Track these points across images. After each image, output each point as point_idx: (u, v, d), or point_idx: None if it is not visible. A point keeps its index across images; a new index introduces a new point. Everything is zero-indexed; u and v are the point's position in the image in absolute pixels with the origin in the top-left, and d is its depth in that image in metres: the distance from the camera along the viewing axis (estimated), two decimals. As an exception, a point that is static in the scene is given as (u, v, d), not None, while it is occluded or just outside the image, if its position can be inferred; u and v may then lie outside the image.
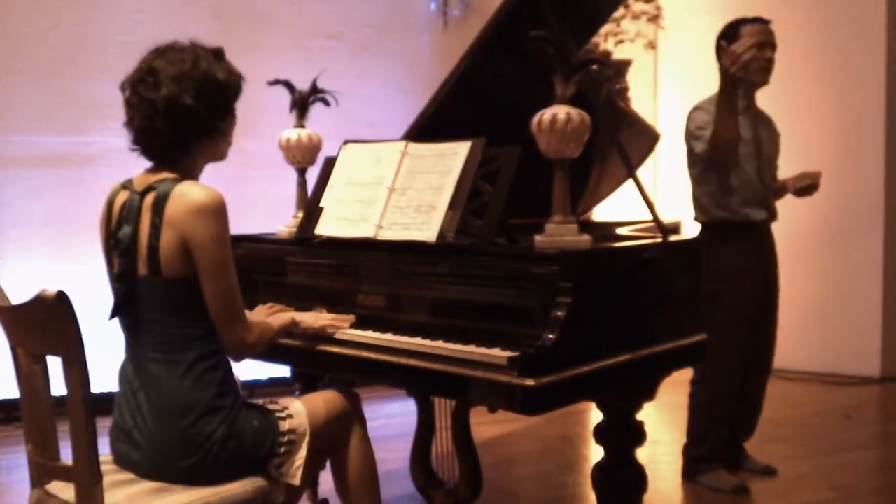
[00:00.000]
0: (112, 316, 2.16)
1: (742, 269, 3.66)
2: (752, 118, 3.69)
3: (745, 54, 3.32)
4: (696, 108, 3.66)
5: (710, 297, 3.56)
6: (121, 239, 2.12)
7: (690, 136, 3.63)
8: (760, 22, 3.68)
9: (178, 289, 2.10)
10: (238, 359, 2.24)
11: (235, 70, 2.26)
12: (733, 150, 3.54)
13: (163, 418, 2.09)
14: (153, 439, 2.10)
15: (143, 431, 2.11)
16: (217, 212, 2.08)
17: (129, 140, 2.18)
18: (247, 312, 2.60)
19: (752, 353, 3.73)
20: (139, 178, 2.19)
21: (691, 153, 3.68)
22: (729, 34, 3.66)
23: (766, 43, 3.64)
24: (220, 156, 2.29)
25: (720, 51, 3.62)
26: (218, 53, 2.23)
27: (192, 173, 2.21)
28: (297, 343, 2.54)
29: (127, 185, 2.20)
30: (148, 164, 2.22)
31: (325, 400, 2.40)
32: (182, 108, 2.11)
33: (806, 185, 3.79)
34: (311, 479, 2.60)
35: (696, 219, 3.75)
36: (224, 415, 2.12)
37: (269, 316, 2.55)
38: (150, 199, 2.11)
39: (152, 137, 2.14)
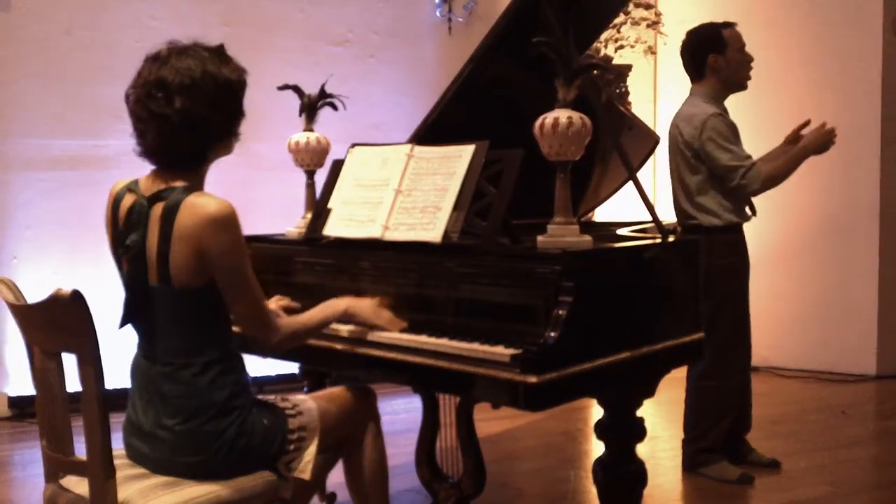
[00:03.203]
0: (122, 324, 2.15)
1: (745, 268, 3.76)
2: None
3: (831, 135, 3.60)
4: (714, 115, 3.59)
5: (724, 297, 3.64)
6: (129, 246, 2.09)
7: (710, 142, 3.57)
8: (734, 26, 3.72)
9: (191, 298, 2.09)
10: (273, 355, 2.26)
11: (239, 65, 2.19)
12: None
13: (176, 417, 2.10)
14: (165, 436, 2.11)
15: (156, 428, 2.12)
16: (231, 223, 2.05)
17: (139, 151, 2.12)
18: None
19: (749, 349, 3.82)
20: (146, 182, 2.14)
21: (698, 158, 3.63)
22: (715, 43, 3.67)
23: (745, 45, 3.69)
24: (228, 152, 2.24)
25: (705, 61, 3.68)
26: (221, 52, 2.16)
27: (202, 177, 2.19)
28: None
29: (133, 187, 2.14)
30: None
31: (337, 397, 2.42)
32: (198, 120, 2.06)
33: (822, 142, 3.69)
34: (322, 476, 2.61)
35: (701, 224, 3.66)
36: (236, 415, 2.13)
37: (278, 308, 2.55)
38: (158, 209, 2.06)
39: (169, 150, 2.09)
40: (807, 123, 3.71)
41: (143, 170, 2.22)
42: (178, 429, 2.10)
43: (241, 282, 2.11)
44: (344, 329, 2.52)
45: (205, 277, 2.08)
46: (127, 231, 2.11)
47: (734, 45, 3.67)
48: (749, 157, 3.58)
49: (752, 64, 3.74)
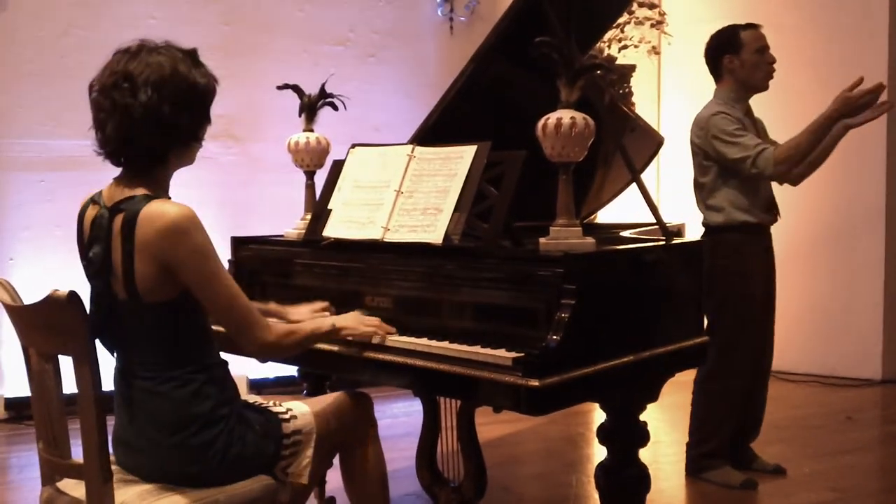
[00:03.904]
0: (92, 337, 2.03)
1: (755, 269, 3.71)
2: (751, 123, 3.72)
3: (862, 99, 3.34)
4: (715, 113, 3.61)
5: (725, 297, 3.63)
6: (92, 259, 2.04)
7: (715, 140, 3.57)
8: (755, 27, 3.70)
9: (163, 312, 2.03)
10: (263, 360, 2.21)
11: (210, 72, 2.12)
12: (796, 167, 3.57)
13: (162, 432, 2.05)
14: (154, 451, 2.07)
15: (144, 442, 2.08)
16: (190, 227, 1.98)
17: (96, 147, 2.06)
18: (289, 309, 2.57)
19: (757, 352, 3.77)
20: (108, 191, 2.09)
21: (708, 158, 3.65)
22: (730, 44, 3.67)
23: (768, 47, 3.67)
24: (191, 161, 2.16)
25: (721, 63, 3.68)
26: (194, 56, 2.10)
27: (164, 182, 2.11)
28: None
29: (96, 199, 2.10)
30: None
31: (334, 402, 2.39)
32: (161, 117, 1.99)
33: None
34: (319, 479, 2.61)
35: (708, 222, 3.72)
36: (223, 425, 2.08)
37: (313, 312, 2.54)
38: (119, 220, 2.00)
39: (128, 147, 2.02)
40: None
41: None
42: (165, 443, 2.06)
43: (213, 284, 2.03)
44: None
45: (176, 289, 2.02)
46: (91, 244, 2.06)
47: (751, 46, 3.65)
48: (758, 143, 3.54)
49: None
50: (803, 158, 3.52)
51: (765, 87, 3.71)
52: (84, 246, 2.11)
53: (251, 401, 2.29)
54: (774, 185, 3.79)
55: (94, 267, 2.04)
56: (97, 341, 2.07)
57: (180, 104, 2.02)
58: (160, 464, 2.08)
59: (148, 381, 2.06)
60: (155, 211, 1.98)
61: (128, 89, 1.98)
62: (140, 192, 2.03)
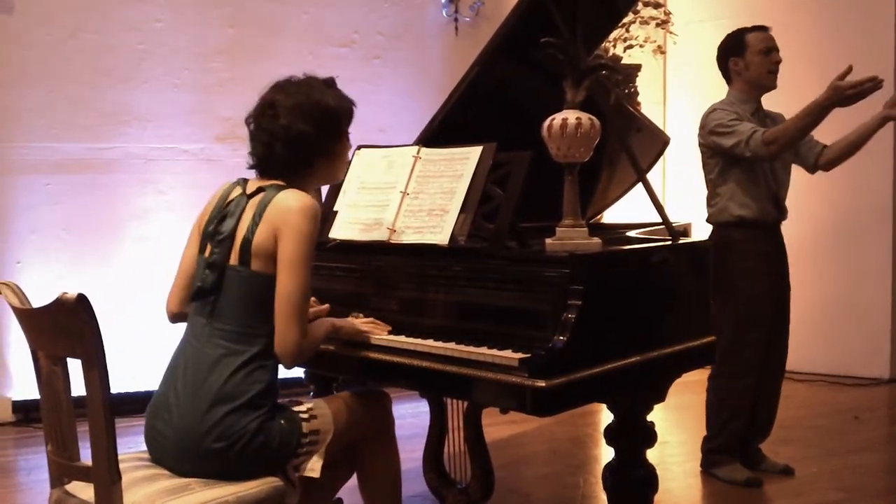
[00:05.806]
0: (193, 298, 2.29)
1: (759, 266, 3.70)
2: (760, 120, 3.73)
3: (853, 89, 3.39)
4: (714, 110, 3.68)
5: (729, 294, 3.63)
6: (221, 230, 2.28)
7: (712, 134, 3.63)
8: (762, 30, 3.73)
9: (260, 282, 2.21)
10: (288, 361, 2.24)
11: (346, 96, 2.42)
12: (787, 150, 3.60)
13: (204, 401, 2.16)
14: (189, 419, 2.16)
15: (182, 409, 2.18)
16: (309, 213, 2.22)
17: (249, 164, 2.39)
18: None
19: (768, 352, 3.76)
20: (252, 181, 2.37)
21: (711, 153, 3.70)
22: (735, 47, 3.72)
23: (774, 48, 3.70)
24: (335, 176, 2.51)
25: (728, 66, 3.72)
26: (329, 82, 2.43)
27: (302, 186, 2.35)
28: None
29: (240, 183, 2.38)
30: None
31: (350, 401, 2.43)
32: (298, 134, 2.30)
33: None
34: (333, 491, 2.66)
35: (710, 219, 3.76)
36: (260, 413, 2.19)
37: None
38: (256, 199, 2.28)
39: (273, 162, 2.32)
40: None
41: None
42: (201, 413, 2.16)
43: (295, 268, 2.20)
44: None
45: (276, 264, 2.22)
46: (223, 217, 2.31)
47: (755, 47, 3.69)
48: (752, 128, 3.56)
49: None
50: (793, 140, 3.55)
51: (772, 86, 3.74)
52: (214, 215, 2.34)
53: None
54: (793, 182, 3.80)
55: (221, 236, 2.28)
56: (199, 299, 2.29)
57: (312, 122, 2.32)
58: (190, 433, 2.15)
59: (217, 349, 2.22)
60: (289, 194, 2.26)
61: (272, 115, 2.33)
62: (281, 183, 2.32)
